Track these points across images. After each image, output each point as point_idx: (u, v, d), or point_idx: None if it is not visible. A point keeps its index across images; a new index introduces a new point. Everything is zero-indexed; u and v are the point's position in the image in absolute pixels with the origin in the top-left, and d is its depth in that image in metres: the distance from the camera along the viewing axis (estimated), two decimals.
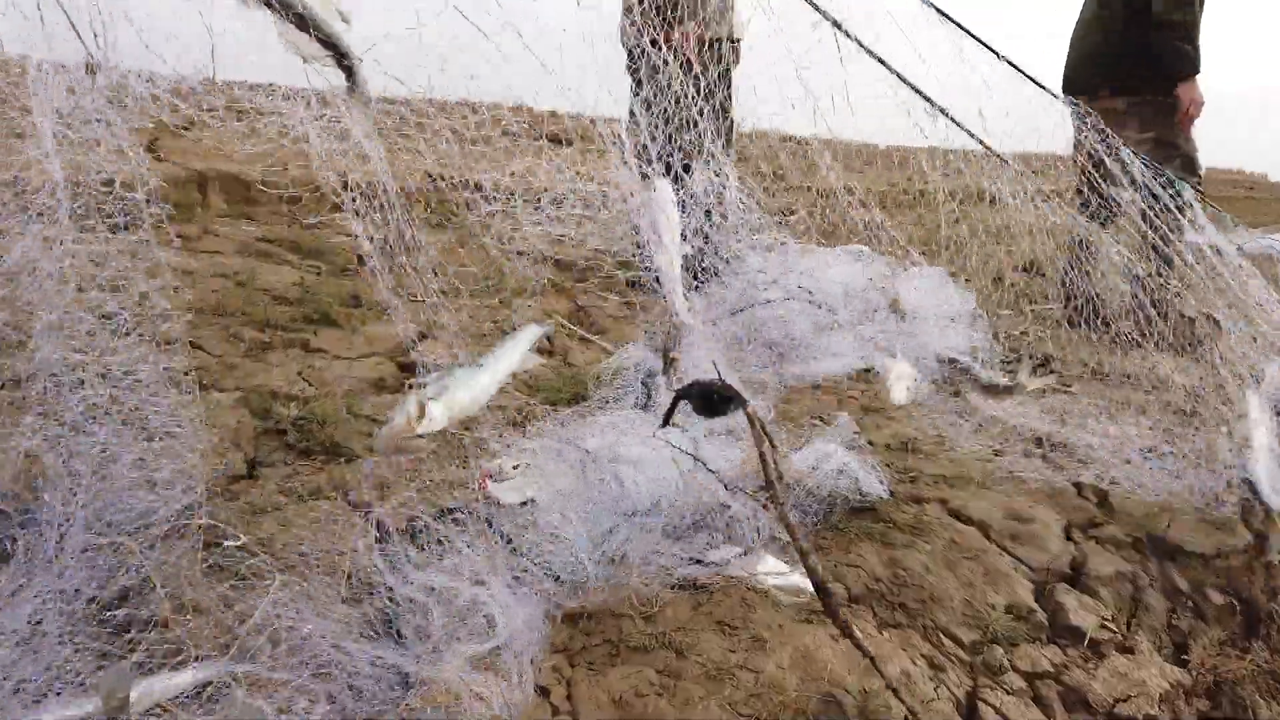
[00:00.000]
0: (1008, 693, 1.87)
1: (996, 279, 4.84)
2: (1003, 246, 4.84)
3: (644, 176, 2.71)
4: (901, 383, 2.56)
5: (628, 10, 3.28)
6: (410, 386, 1.88)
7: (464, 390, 1.94)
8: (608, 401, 2.91)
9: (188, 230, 4.40)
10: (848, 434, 2.87)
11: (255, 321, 3.39)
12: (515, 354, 2.16)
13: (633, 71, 3.55)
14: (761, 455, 1.94)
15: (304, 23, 1.78)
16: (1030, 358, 3.83)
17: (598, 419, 2.79)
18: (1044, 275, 4.87)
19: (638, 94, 3.49)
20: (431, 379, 1.94)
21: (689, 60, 3.23)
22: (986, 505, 2.59)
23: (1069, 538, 2.48)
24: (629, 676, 1.79)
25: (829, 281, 3.92)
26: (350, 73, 1.91)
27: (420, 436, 1.83)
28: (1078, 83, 4.67)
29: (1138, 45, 4.48)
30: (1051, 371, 3.75)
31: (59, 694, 1.44)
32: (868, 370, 3.56)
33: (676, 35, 3.32)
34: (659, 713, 1.71)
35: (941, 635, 2.03)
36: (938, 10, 2.73)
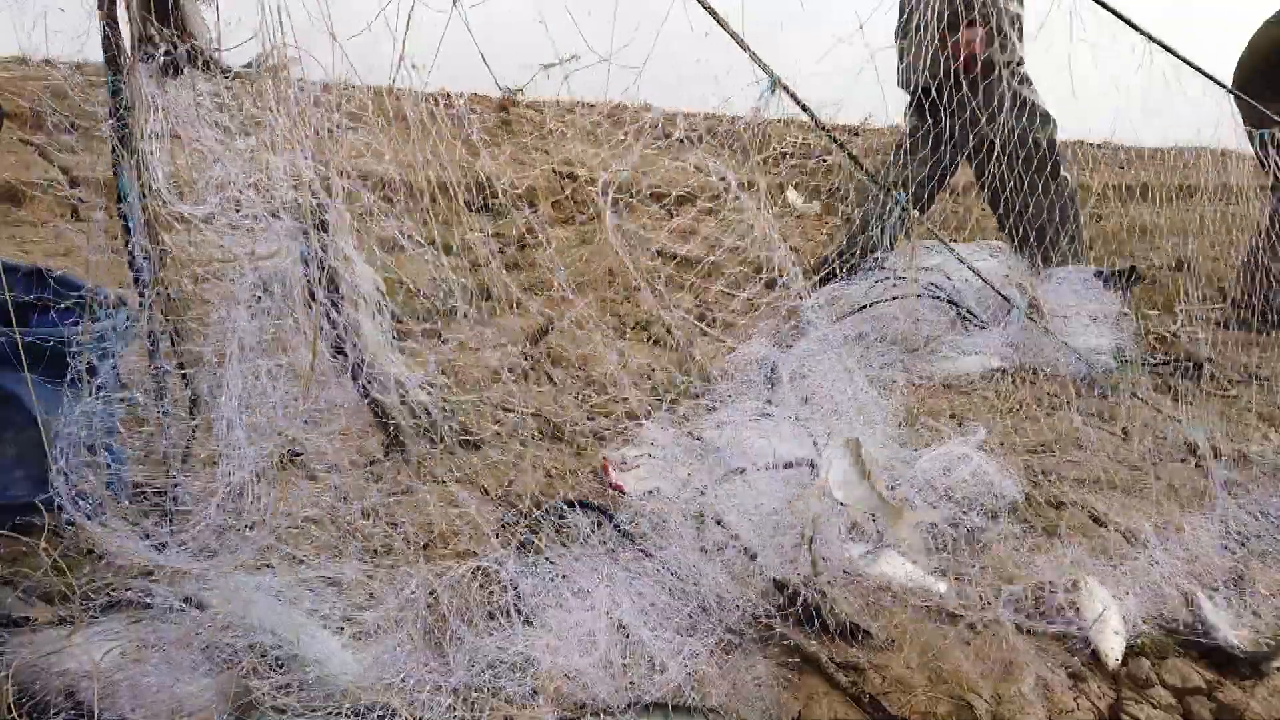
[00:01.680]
0: (1154, 707, 1.76)
1: (1145, 277, 4.58)
2: (1150, 243, 4.58)
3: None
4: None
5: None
6: None
7: None
8: (730, 396, 2.90)
9: None
10: (982, 435, 2.77)
11: (393, 312, 3.52)
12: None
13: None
14: None
15: None
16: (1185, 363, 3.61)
17: (719, 413, 2.78)
18: (1194, 273, 4.57)
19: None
20: None
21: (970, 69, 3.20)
22: (1133, 513, 2.45)
23: (1225, 548, 2.32)
24: (753, 667, 1.77)
25: (961, 279, 3.80)
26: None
27: None
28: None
29: None
30: (1210, 376, 3.53)
31: None
32: (1002, 370, 3.42)
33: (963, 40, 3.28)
34: (782, 705, 1.69)
35: (1083, 644, 1.92)
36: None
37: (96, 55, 1.82)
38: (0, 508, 1.72)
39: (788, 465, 2.35)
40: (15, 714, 1.39)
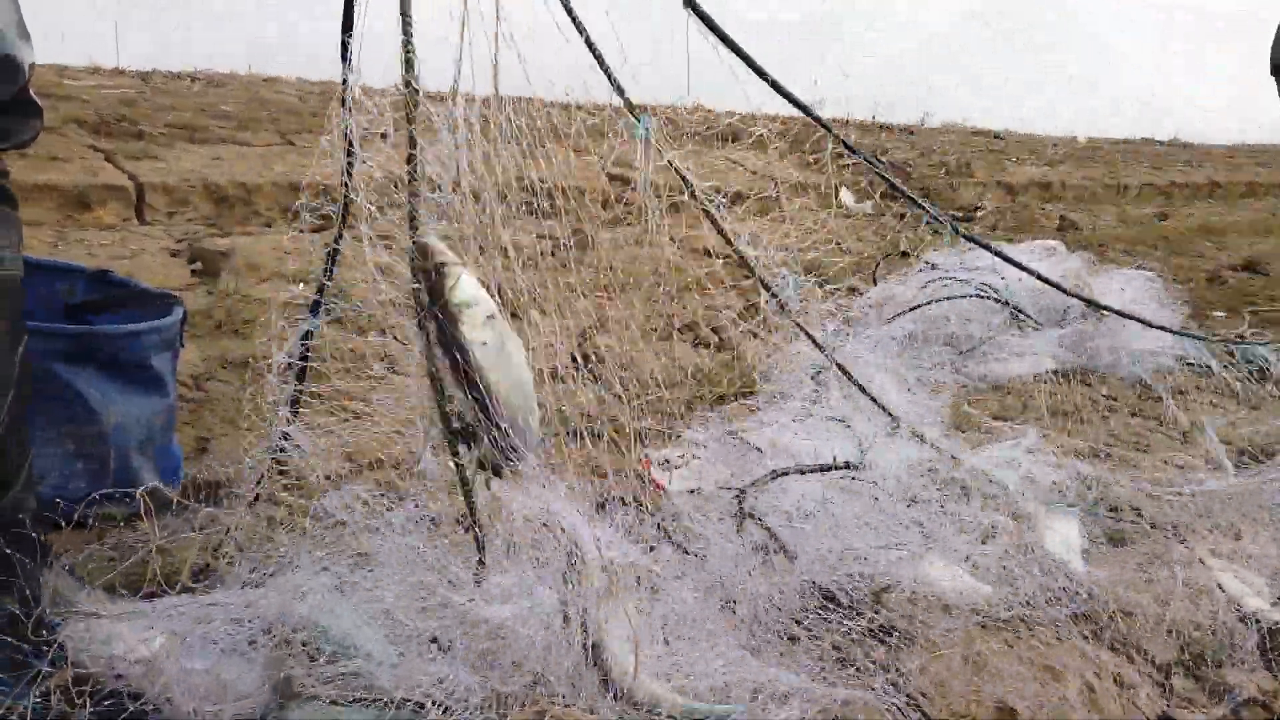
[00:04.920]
0: (1206, 715, 1.70)
1: (1211, 278, 4.45)
2: (1217, 243, 4.44)
3: None
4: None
5: None
6: None
7: None
8: (776, 396, 2.88)
9: (384, 229, 4.70)
10: (1033, 438, 2.71)
11: None
12: None
13: None
14: None
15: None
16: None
17: (765, 413, 2.77)
18: (1265, 274, 4.42)
19: None
20: None
21: None
22: (1191, 518, 2.38)
23: None
24: (790, 669, 1.75)
25: (1015, 279, 3.73)
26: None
27: None
28: None
29: None
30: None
31: None
32: (1056, 372, 3.35)
33: None
34: (819, 706, 1.67)
35: (1132, 651, 1.87)
36: None
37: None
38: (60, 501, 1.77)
39: (826, 469, 2.34)
40: (67, 698, 1.44)
